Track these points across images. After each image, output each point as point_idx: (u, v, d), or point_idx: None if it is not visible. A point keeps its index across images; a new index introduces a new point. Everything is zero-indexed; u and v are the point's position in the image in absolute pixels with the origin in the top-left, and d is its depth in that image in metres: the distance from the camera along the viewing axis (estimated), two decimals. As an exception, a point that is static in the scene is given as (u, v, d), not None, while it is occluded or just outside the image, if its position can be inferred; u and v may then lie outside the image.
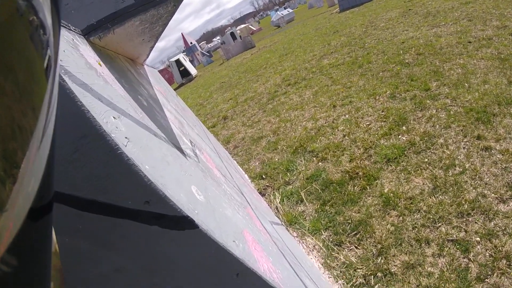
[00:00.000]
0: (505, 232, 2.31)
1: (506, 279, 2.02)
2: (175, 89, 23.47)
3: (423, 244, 2.43)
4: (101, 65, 1.01)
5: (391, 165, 3.51)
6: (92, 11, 1.08)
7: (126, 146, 0.69)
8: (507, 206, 2.51)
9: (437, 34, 7.75)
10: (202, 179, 1.17)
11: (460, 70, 5.18)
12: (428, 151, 3.46)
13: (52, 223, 0.39)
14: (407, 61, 6.51)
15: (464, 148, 3.32)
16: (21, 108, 0.27)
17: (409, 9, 12.46)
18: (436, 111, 4.17)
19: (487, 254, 2.20)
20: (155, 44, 1.72)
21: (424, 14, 10.69)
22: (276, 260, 1.21)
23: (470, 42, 6.44)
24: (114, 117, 0.75)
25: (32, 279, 0.32)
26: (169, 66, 31.86)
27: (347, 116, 5.22)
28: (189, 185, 0.93)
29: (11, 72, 0.26)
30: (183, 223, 0.71)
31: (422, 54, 6.59)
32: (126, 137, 0.72)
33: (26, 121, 0.27)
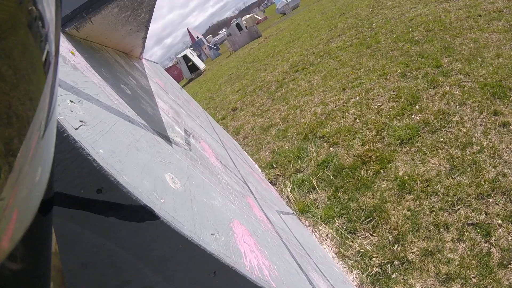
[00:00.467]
0: None
1: None
2: (184, 85, 23.46)
3: (441, 229, 2.31)
4: (73, 54, 0.94)
5: (405, 147, 3.37)
6: (67, 2, 1.00)
7: (76, 129, 0.60)
8: None
9: (446, 9, 7.44)
10: (187, 167, 1.09)
11: (472, 45, 4.95)
12: (443, 130, 3.30)
13: (52, 221, 0.37)
14: (416, 38, 6.28)
15: (481, 125, 3.15)
16: (20, 95, 0.26)
17: (416, -16, 11.99)
18: (450, 88, 3.99)
19: (510, 238, 2.07)
20: (146, 34, 1.63)
21: (432, -11, 10.28)
22: (273, 253, 1.12)
23: (480, 16, 6.15)
24: (71, 101, 0.67)
25: (32, 279, 0.31)
26: (177, 63, 31.89)
27: (357, 98, 5.06)
28: (163, 173, 0.84)
29: (9, 59, 0.25)
30: (142, 213, 0.62)
31: (432, 31, 6.34)
32: (81, 121, 0.64)
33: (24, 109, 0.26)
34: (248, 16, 55.04)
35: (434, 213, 2.45)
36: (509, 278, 1.87)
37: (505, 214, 2.22)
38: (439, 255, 2.16)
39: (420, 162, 3.02)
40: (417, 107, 3.90)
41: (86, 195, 0.59)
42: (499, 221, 2.18)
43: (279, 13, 40.71)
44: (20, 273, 0.29)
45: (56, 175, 0.58)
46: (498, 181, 2.47)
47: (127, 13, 1.16)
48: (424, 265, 2.15)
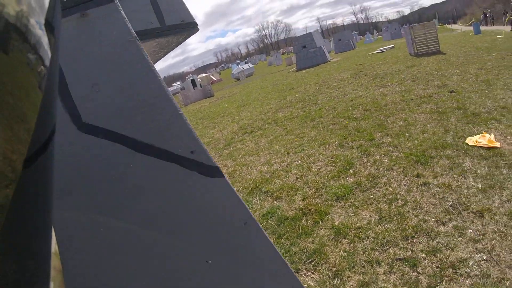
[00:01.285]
0: (447, 247, 2.67)
1: (454, 284, 2.32)
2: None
3: (374, 265, 2.69)
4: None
5: (340, 202, 3.84)
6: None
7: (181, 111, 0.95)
8: (447, 227, 2.93)
9: (383, 93, 8.66)
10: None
11: (402, 123, 5.87)
12: (373, 189, 3.85)
13: (52, 222, 0.39)
14: (355, 116, 7.19)
15: (405, 185, 3.76)
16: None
17: (360, 71, 13.80)
18: (380, 156, 4.67)
19: (434, 266, 2.51)
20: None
21: (373, 76, 11.88)
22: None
23: (412, 100, 7.32)
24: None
25: (32, 279, 0.32)
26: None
27: (299, 161, 5.60)
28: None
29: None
30: (214, 172, 0.94)
31: (369, 110, 7.32)
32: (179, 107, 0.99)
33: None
34: (204, 74, 57.39)
35: (367, 253, 2.84)
36: None
37: (427, 249, 2.69)
38: (374, 285, 2.50)
39: (353, 214, 3.48)
40: (351, 171, 4.48)
41: (182, 154, 0.91)
42: (423, 255, 2.64)
43: (234, 78, 43.08)
44: (21, 273, 0.30)
45: (163, 135, 0.89)
46: (420, 226, 2.98)
47: (156, 49, 1.47)
48: (361, 294, 2.48)
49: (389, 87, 9.40)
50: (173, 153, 0.92)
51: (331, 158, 5.21)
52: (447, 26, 56.09)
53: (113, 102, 0.88)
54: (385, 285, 2.46)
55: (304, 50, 26.10)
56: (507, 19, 25.08)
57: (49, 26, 0.35)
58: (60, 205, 0.83)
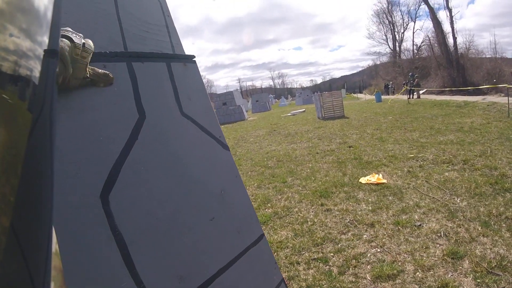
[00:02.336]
0: (349, 247, 3.60)
1: (358, 269, 3.21)
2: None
3: (295, 265, 3.44)
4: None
5: (262, 226, 4.61)
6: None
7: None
8: (347, 235, 3.92)
9: (293, 148, 10.02)
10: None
11: (309, 170, 7.09)
12: (287, 216, 4.74)
13: (52, 221, 0.41)
14: (270, 165, 8.26)
15: (312, 211, 4.73)
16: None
17: (274, 130, 15.51)
18: (291, 194, 5.69)
19: (341, 260, 3.39)
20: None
21: (285, 134, 13.47)
22: None
23: (317, 153, 8.73)
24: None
25: (32, 279, 0.34)
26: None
27: (220, 203, 6.35)
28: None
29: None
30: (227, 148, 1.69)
31: (281, 161, 8.48)
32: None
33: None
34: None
35: (288, 257, 3.59)
36: (348, 279, 3.07)
37: (334, 250, 3.58)
38: (297, 278, 3.23)
39: (274, 233, 4.26)
40: (269, 204, 5.35)
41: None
42: (332, 254, 3.53)
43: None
44: (20, 273, 0.31)
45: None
46: (326, 237, 3.91)
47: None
48: (288, 285, 3.22)
49: (299, 143, 10.88)
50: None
51: (252, 196, 6.03)
52: (353, 95, 63.68)
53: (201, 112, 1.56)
54: (306, 277, 3.22)
55: (224, 106, 28.25)
56: (403, 89, 29.90)
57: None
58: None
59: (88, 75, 0.97)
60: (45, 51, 0.38)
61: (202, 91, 1.57)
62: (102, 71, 1.06)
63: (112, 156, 1.09)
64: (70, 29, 0.89)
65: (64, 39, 0.84)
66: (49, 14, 0.39)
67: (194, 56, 1.57)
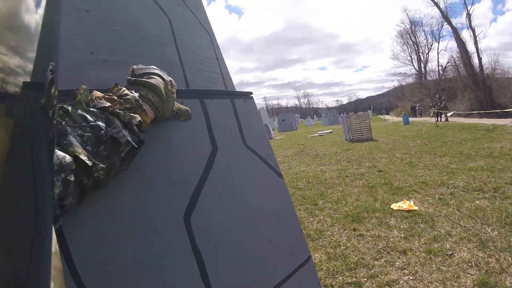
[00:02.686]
0: (382, 273, 3.75)
1: None
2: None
3: (329, 287, 3.65)
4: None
5: (293, 250, 4.83)
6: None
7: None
8: (380, 261, 4.05)
9: (323, 170, 10.15)
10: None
11: (339, 193, 7.23)
12: (320, 239, 4.90)
13: (51, 221, 0.42)
14: (300, 186, 8.44)
15: (345, 236, 4.88)
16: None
17: (302, 150, 15.69)
18: (323, 217, 5.84)
19: (374, 285, 3.55)
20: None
21: (313, 156, 13.61)
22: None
23: (347, 176, 8.84)
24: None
25: (32, 279, 0.34)
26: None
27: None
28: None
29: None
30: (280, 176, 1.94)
31: (311, 183, 8.64)
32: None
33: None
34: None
35: (322, 280, 3.76)
36: None
37: (367, 275, 3.72)
38: None
39: (305, 257, 4.46)
40: (301, 227, 5.52)
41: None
42: (365, 279, 3.68)
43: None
44: (21, 273, 0.32)
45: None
46: (360, 262, 4.06)
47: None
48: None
49: (327, 165, 11.02)
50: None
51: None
52: (380, 116, 63.17)
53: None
54: (342, 300, 3.42)
55: None
56: (431, 112, 29.58)
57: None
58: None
59: (175, 109, 1.12)
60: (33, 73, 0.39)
61: (259, 124, 1.80)
62: (184, 106, 1.22)
63: (192, 183, 1.29)
64: (155, 67, 1.00)
65: (155, 77, 0.95)
66: (39, 31, 0.40)
67: (251, 93, 1.80)
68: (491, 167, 8.06)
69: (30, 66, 0.40)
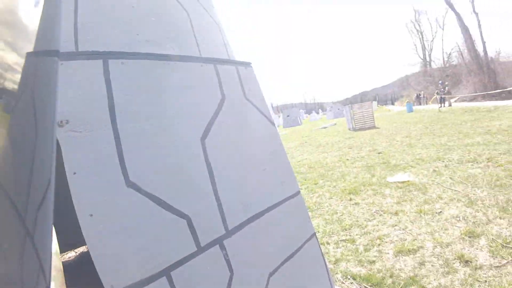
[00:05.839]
0: (374, 230, 4.14)
1: (382, 247, 3.72)
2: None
3: (325, 244, 3.98)
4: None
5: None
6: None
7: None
8: (373, 221, 4.42)
9: (324, 157, 10.52)
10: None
11: (339, 173, 7.61)
12: (319, 210, 5.26)
13: (52, 223, 0.41)
14: (302, 171, 8.80)
15: (342, 205, 5.26)
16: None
17: (305, 142, 16.11)
18: (322, 192, 6.23)
19: (367, 240, 3.92)
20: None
21: (316, 145, 13.98)
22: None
23: (348, 160, 9.22)
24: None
25: (33, 279, 0.35)
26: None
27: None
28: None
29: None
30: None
31: (313, 167, 9.01)
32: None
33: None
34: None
35: (319, 239, 4.04)
36: (373, 254, 3.56)
37: (361, 233, 4.11)
38: (327, 255, 3.72)
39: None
40: (302, 203, 5.88)
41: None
42: (358, 236, 4.05)
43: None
44: (22, 273, 0.34)
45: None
46: (354, 224, 4.43)
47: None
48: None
49: (329, 152, 11.37)
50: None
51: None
52: (385, 107, 63.22)
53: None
54: (335, 254, 3.74)
55: None
56: (433, 97, 29.72)
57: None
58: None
59: None
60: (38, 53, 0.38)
61: (257, 86, 2.34)
62: None
63: (207, 117, 1.82)
64: None
65: None
66: (36, 27, 0.38)
67: (251, 63, 2.38)
68: (488, 142, 8.35)
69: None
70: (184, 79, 1.71)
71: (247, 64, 2.27)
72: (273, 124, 2.36)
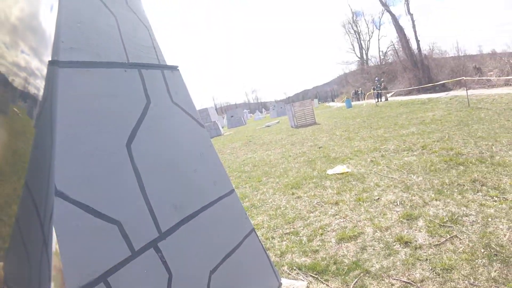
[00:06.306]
0: (317, 221, 4.21)
1: (324, 236, 3.77)
2: None
3: (270, 239, 3.97)
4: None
5: (239, 220, 5.14)
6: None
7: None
8: (315, 213, 4.49)
9: (268, 154, 10.61)
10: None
11: (282, 170, 7.71)
12: (263, 206, 5.27)
13: (52, 222, 0.44)
14: (246, 170, 8.81)
15: (284, 200, 5.31)
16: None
17: (250, 141, 16.16)
18: (266, 189, 6.26)
19: (309, 231, 3.97)
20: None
21: (260, 144, 14.08)
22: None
23: (290, 156, 9.37)
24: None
25: (33, 279, 0.43)
26: None
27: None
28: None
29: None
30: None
31: (257, 165, 9.05)
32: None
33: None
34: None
35: (264, 235, 4.09)
36: (316, 243, 3.58)
37: (304, 225, 4.15)
38: (272, 249, 3.76)
39: (251, 219, 4.76)
40: (246, 199, 5.87)
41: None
42: (301, 227, 4.11)
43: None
44: (22, 273, 0.48)
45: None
46: (297, 216, 4.48)
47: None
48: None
49: (273, 150, 11.51)
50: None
51: (229, 198, 6.59)
52: (326, 104, 65.32)
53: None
54: (280, 247, 3.74)
55: None
56: (368, 93, 31.17)
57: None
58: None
59: None
60: (49, 64, 0.43)
61: (185, 89, 2.34)
62: None
63: (132, 122, 1.78)
64: None
65: None
66: (53, 36, 0.44)
67: (178, 66, 2.35)
68: (422, 131, 8.87)
69: (45, 70, 0.41)
70: (105, 86, 1.68)
71: (173, 68, 2.27)
72: (202, 126, 2.38)
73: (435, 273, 2.72)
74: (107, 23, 1.81)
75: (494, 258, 2.73)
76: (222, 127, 36.79)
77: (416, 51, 39.68)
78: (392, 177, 5.30)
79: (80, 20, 1.64)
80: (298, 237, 3.88)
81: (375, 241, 3.44)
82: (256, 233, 2.62)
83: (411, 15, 40.35)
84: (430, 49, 41.53)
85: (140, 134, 1.80)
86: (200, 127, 2.34)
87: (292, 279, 3.05)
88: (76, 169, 1.43)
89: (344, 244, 3.50)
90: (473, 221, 3.43)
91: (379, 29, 62.88)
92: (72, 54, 1.51)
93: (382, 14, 59.96)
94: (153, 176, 1.80)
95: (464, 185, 4.36)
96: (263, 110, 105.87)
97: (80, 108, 1.52)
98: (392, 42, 50.52)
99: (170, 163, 1.96)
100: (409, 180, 5.01)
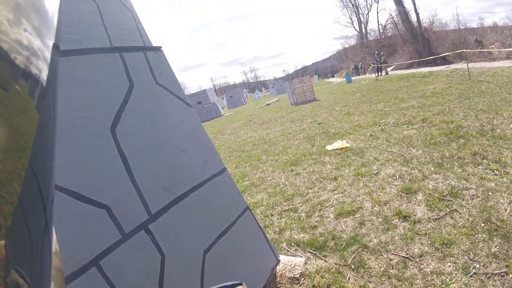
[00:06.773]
0: (315, 197, 4.23)
1: (323, 211, 3.78)
2: None
3: (269, 216, 4.00)
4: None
5: (243, 194, 5.13)
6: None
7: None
8: (314, 189, 4.51)
9: (268, 133, 10.58)
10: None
11: (281, 147, 7.69)
12: (263, 184, 5.28)
13: (52, 221, 0.43)
14: (246, 149, 8.80)
15: (284, 177, 5.32)
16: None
17: (250, 120, 16.12)
18: (265, 167, 6.25)
19: (308, 207, 3.99)
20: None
21: (260, 123, 14.03)
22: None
23: (289, 133, 9.33)
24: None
25: (33, 279, 0.35)
26: None
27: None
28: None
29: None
30: None
31: (257, 144, 9.03)
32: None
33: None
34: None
35: (263, 213, 4.12)
36: (315, 219, 3.59)
37: (302, 201, 4.17)
38: (271, 226, 3.78)
39: (251, 197, 4.77)
40: (246, 178, 5.87)
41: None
42: (300, 204, 4.12)
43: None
44: (21, 273, 0.32)
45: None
46: (296, 193, 4.51)
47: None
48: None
49: (273, 128, 11.49)
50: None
51: (231, 174, 6.57)
52: (326, 80, 64.81)
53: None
54: (279, 224, 3.76)
55: (199, 105, 28.86)
56: (370, 67, 30.84)
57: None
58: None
59: None
60: (53, 47, 0.40)
61: (169, 70, 2.27)
62: None
63: (115, 106, 1.76)
64: None
65: None
66: (55, 19, 0.41)
67: (161, 47, 2.27)
68: (422, 104, 8.80)
69: (47, 53, 0.41)
70: (86, 73, 1.66)
71: (156, 49, 2.23)
72: (189, 105, 2.33)
73: (434, 248, 2.71)
74: (89, 10, 1.78)
75: (495, 233, 2.71)
76: (222, 108, 36.63)
77: (416, 24, 39.05)
78: (391, 151, 5.27)
79: (61, 6, 1.60)
80: (297, 214, 3.89)
81: (373, 216, 3.44)
82: (251, 211, 2.62)
83: (410, -15, 39.53)
84: (430, 22, 40.82)
85: (124, 117, 1.78)
86: (187, 107, 2.30)
87: (291, 255, 3.06)
88: (60, 156, 1.43)
89: (342, 220, 3.51)
90: (473, 195, 3.40)
91: (377, 2, 61.81)
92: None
93: (380, -16, 58.84)
94: (140, 159, 1.79)
95: (464, 158, 4.32)
96: (263, 88, 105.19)
97: (62, 97, 1.49)
98: (391, 15, 49.65)
99: (157, 145, 1.94)
100: (409, 153, 4.99)
